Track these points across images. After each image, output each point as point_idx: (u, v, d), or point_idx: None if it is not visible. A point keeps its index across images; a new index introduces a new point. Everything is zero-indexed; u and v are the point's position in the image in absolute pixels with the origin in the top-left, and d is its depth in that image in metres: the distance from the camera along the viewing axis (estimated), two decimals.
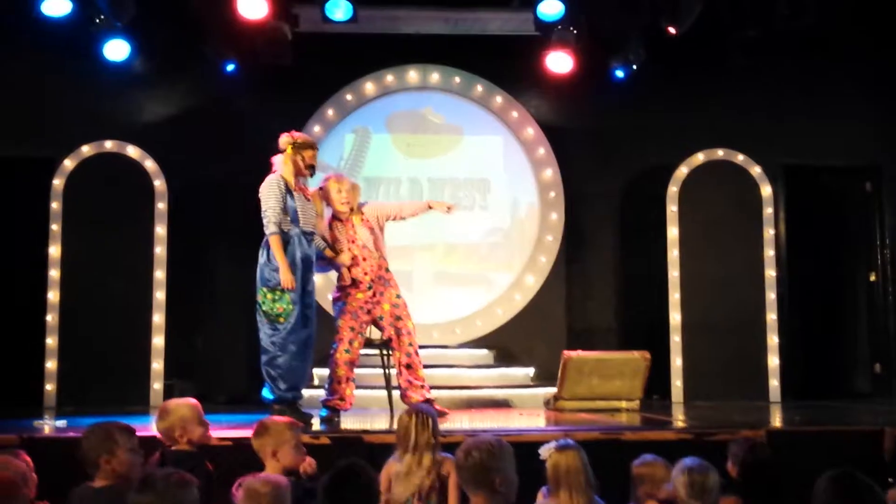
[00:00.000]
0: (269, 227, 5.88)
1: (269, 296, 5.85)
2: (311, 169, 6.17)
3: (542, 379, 8.27)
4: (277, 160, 6.07)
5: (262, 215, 5.92)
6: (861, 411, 7.21)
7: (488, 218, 9.23)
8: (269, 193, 5.93)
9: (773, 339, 8.50)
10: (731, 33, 8.49)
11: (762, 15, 8.24)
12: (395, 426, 4.19)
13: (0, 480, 3.33)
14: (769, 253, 8.63)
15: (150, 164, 8.31)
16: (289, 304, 5.85)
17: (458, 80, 9.25)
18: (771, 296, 8.54)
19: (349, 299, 6.35)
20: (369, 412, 7.07)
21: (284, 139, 6.11)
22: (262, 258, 5.97)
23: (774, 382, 8.44)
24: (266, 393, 6.04)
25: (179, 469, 3.22)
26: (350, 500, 3.18)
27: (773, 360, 8.48)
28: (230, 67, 8.81)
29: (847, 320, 9.36)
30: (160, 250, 8.20)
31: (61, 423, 6.30)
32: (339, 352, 6.29)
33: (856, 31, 9.02)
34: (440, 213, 6.73)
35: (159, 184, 8.28)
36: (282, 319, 5.85)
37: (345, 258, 6.33)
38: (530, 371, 8.50)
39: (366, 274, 6.37)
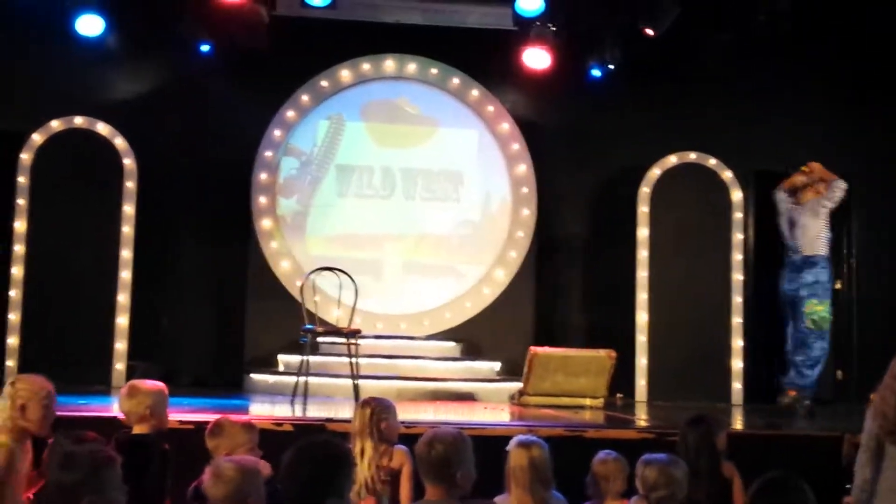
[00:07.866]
0: None
1: (827, 307, 7.28)
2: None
3: (508, 374, 8.27)
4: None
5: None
6: (822, 417, 7.28)
7: (460, 211, 9.20)
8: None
9: (737, 343, 8.57)
10: (707, 37, 8.53)
11: (739, 20, 8.29)
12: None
13: None
14: (737, 257, 8.70)
15: (119, 142, 8.21)
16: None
17: (434, 71, 9.20)
18: (737, 299, 8.61)
19: None
20: (334, 401, 7.04)
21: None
22: (824, 272, 7.45)
23: (737, 385, 8.50)
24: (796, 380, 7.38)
25: (136, 453, 3.16)
26: (320, 477, 2.90)
27: (737, 363, 8.54)
28: (205, 48, 8.70)
29: None
30: (127, 229, 8.11)
31: None
32: None
33: (826, 39, 9.09)
34: None
35: (129, 162, 8.19)
36: (826, 325, 7.27)
37: None
38: (496, 365, 8.49)
39: None
